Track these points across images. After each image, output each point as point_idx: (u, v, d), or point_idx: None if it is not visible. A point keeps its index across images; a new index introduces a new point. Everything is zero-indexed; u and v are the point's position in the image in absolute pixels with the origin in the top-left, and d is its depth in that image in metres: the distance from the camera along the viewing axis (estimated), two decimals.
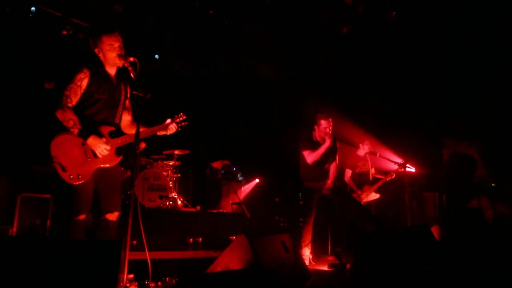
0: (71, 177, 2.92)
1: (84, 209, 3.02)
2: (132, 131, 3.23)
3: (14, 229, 4.83)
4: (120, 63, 3.10)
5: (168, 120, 3.40)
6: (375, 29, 6.73)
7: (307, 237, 4.90)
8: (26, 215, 4.94)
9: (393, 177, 5.45)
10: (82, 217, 3.01)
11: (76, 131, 2.94)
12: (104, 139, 3.03)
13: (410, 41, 6.84)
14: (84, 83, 3.03)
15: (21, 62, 6.09)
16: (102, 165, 3.06)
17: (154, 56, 7.45)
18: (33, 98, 6.10)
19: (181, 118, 3.45)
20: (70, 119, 2.94)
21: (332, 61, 7.76)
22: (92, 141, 2.97)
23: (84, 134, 2.96)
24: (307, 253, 4.88)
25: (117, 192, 3.24)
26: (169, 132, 3.39)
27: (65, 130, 2.98)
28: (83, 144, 2.98)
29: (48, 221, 5.03)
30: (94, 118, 3.08)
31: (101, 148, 3.00)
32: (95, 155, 3.01)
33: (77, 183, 2.94)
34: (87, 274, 2.16)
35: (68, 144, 2.97)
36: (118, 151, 3.13)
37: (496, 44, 6.08)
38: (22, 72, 6.12)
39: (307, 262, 4.72)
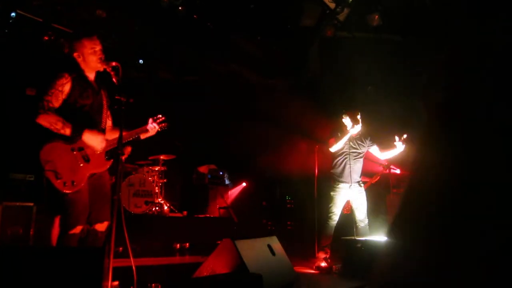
0: (66, 184, 2.83)
1: (81, 220, 2.93)
2: (113, 136, 3.21)
3: None
4: (101, 67, 3.07)
5: (149, 122, 3.40)
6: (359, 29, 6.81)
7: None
8: (8, 224, 4.84)
9: (378, 179, 5.50)
10: (77, 229, 2.91)
11: (68, 130, 2.86)
12: (97, 131, 3.00)
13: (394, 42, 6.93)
14: (66, 88, 2.96)
15: (1, 67, 5.99)
16: (94, 171, 3.02)
17: (138, 61, 7.39)
18: (13, 105, 6.01)
19: (160, 119, 3.47)
20: (57, 121, 2.85)
21: (317, 64, 7.82)
22: (87, 135, 2.93)
23: (78, 131, 2.89)
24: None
25: (107, 202, 3.17)
26: (150, 134, 3.39)
27: (52, 138, 2.88)
28: (73, 150, 2.92)
29: (31, 230, 4.94)
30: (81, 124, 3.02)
31: (98, 139, 2.97)
32: (86, 160, 2.96)
33: (72, 190, 2.86)
34: (70, 282, 2.13)
35: (58, 151, 2.89)
36: (107, 155, 3.10)
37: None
38: (2, 78, 6.02)
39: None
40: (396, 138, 4.91)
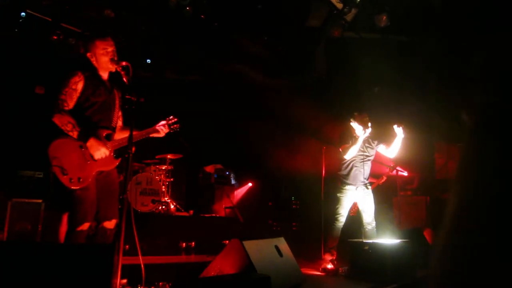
0: (72, 180, 2.85)
1: (88, 217, 2.95)
2: (123, 135, 3.23)
3: (5, 235, 4.77)
4: (112, 67, 3.11)
5: (161, 122, 3.42)
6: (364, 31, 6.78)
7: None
8: (17, 221, 4.88)
9: (384, 180, 5.48)
10: (85, 226, 2.93)
11: (75, 133, 2.90)
12: (103, 143, 3.02)
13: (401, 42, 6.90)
14: (80, 86, 3.00)
15: (10, 66, 6.04)
16: (101, 169, 3.04)
17: (146, 61, 7.41)
18: (22, 103, 6.06)
19: (172, 121, 3.50)
20: (68, 122, 2.90)
21: (323, 65, 7.80)
22: (92, 143, 2.94)
23: (84, 136, 2.93)
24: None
25: (115, 199, 3.19)
26: (161, 134, 3.43)
27: (61, 135, 2.92)
28: (81, 147, 2.95)
29: (40, 226, 4.98)
30: (91, 122, 3.05)
31: (100, 151, 2.98)
32: (94, 158, 2.99)
33: (78, 187, 2.88)
34: (80, 279, 2.15)
35: (66, 147, 2.92)
36: (116, 154, 3.12)
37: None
38: (11, 77, 6.07)
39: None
40: (394, 126, 4.90)
